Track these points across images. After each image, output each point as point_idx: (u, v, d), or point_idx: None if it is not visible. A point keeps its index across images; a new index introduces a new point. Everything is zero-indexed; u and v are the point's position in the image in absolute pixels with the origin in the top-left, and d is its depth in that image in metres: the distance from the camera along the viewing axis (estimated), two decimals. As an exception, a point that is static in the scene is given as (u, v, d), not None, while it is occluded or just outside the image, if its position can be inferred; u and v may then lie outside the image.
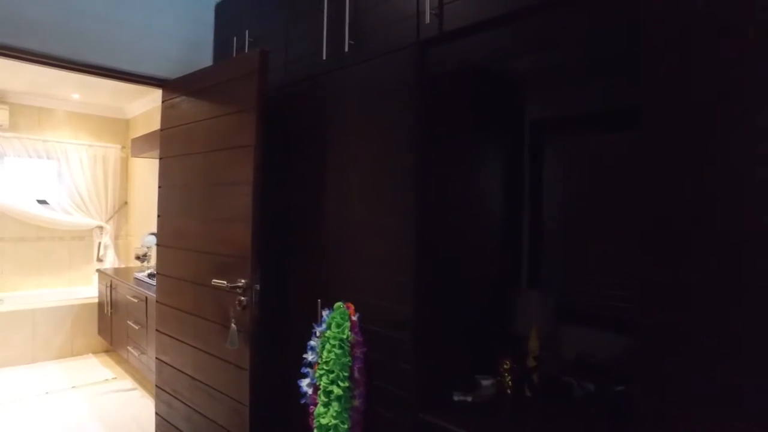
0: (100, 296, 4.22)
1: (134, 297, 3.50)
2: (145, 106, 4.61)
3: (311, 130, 2.01)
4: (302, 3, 2.10)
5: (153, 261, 3.86)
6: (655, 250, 1.06)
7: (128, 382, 3.61)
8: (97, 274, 4.40)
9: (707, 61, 1.00)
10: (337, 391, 1.63)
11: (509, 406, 1.63)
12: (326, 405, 1.66)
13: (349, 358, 1.65)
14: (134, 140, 4.51)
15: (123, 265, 4.82)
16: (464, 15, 1.47)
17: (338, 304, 1.74)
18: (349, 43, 1.82)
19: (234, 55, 2.49)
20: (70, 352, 4.09)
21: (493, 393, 1.65)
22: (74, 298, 4.25)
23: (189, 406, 2.29)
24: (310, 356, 1.81)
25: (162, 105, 2.57)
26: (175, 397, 2.39)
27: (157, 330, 2.54)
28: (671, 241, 1.04)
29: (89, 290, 4.51)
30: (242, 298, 1.95)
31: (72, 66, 2.34)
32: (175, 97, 2.47)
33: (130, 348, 3.54)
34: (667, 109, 1.05)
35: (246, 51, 2.37)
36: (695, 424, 0.99)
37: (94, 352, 4.21)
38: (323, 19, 1.93)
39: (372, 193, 1.72)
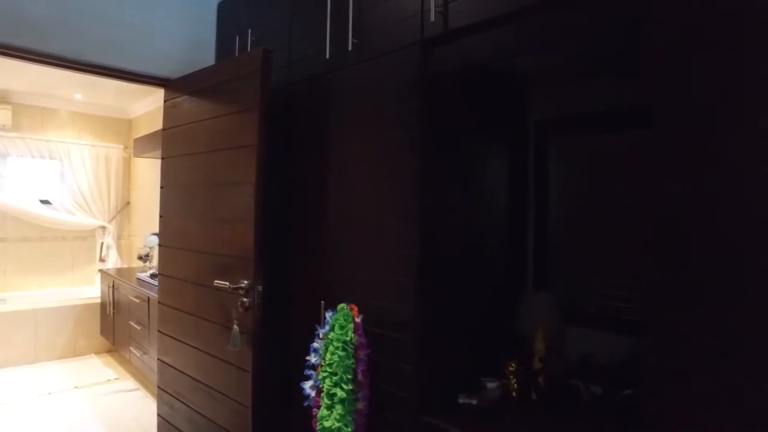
0: (102, 296, 4.22)
1: (136, 297, 3.49)
2: (147, 106, 4.60)
3: (313, 129, 2.00)
4: (305, 1, 2.09)
5: (155, 261, 3.85)
6: (656, 250, 1.05)
7: (130, 383, 3.60)
8: (99, 274, 4.39)
9: (708, 62, 0.99)
10: (340, 393, 1.61)
11: (515, 409, 1.61)
12: (329, 408, 1.64)
13: (352, 361, 1.63)
14: (137, 140, 4.51)
15: (125, 266, 4.81)
16: (469, 13, 1.45)
17: (341, 305, 1.72)
18: (352, 42, 1.80)
19: (236, 54, 2.47)
20: (73, 352, 4.09)
21: (498, 396, 1.63)
22: (77, 299, 4.25)
23: (191, 408, 2.28)
24: (313, 358, 1.79)
25: (164, 105, 2.56)
26: (177, 399, 2.37)
27: (159, 331, 2.53)
28: (671, 241, 1.03)
29: (92, 290, 4.51)
30: (244, 299, 1.93)
31: (73, 65, 2.33)
32: (177, 97, 2.45)
33: (132, 348, 3.53)
34: (668, 109, 1.04)
35: (248, 50, 2.35)
36: (696, 424, 0.99)
37: (97, 353, 4.20)
38: (326, 18, 1.91)
39: (375, 193, 1.71)
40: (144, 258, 4.17)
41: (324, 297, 1.87)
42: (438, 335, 1.59)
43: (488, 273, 1.85)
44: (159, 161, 2.64)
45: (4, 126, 4.27)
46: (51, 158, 4.60)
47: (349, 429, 1.62)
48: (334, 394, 1.63)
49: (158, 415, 2.54)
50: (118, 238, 4.97)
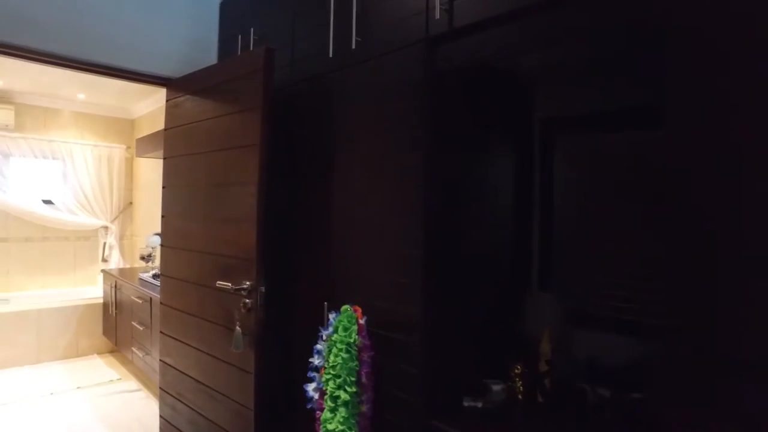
0: (105, 297, 4.21)
1: (139, 298, 3.48)
2: (150, 106, 4.59)
3: (316, 128, 1.98)
4: (308, 0, 2.07)
5: (158, 261, 3.84)
6: (676, 252, 1.03)
7: (132, 383, 3.59)
8: (102, 274, 4.39)
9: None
10: (344, 396, 1.59)
11: (521, 412, 1.59)
12: (333, 410, 1.62)
13: (356, 363, 1.61)
14: (139, 140, 4.50)
15: (128, 266, 4.81)
16: (474, 10, 1.43)
17: (345, 307, 1.70)
18: (356, 40, 1.78)
19: (239, 53, 2.45)
20: (75, 352, 4.08)
21: (503, 398, 1.61)
22: (79, 299, 4.24)
23: (193, 409, 2.26)
24: (316, 360, 1.77)
25: (166, 104, 2.54)
26: (179, 400, 2.36)
27: (161, 332, 2.51)
28: (671, 241, 1.02)
29: (94, 291, 4.50)
30: (247, 300, 1.92)
31: (75, 65, 2.31)
32: (180, 96, 2.44)
33: (134, 349, 3.52)
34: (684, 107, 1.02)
35: (251, 49, 2.34)
36: (695, 424, 0.98)
37: (99, 353, 4.20)
38: (329, 16, 1.89)
39: (379, 192, 1.69)
40: (146, 258, 4.17)
41: (327, 298, 1.85)
42: (443, 337, 1.57)
43: (493, 273, 1.83)
44: (161, 161, 2.63)
45: (7, 126, 4.26)
46: (54, 158, 4.59)
47: (353, 432, 1.60)
48: (338, 397, 1.61)
49: (160, 416, 2.53)
50: (121, 238, 4.97)
